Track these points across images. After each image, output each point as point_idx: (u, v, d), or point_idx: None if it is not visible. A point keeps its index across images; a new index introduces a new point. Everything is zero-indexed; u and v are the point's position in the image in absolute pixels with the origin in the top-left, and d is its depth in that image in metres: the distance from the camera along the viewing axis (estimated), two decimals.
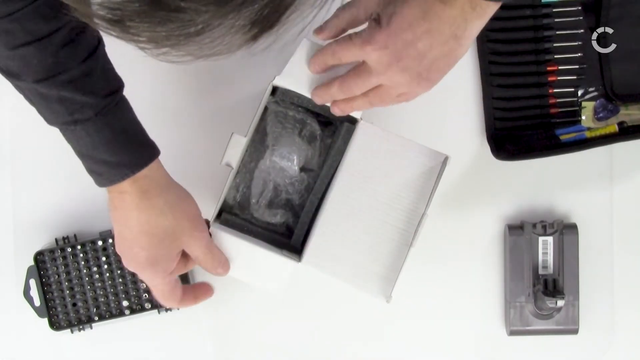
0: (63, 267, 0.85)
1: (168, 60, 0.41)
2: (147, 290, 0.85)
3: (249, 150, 0.77)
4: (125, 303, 0.85)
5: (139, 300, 0.85)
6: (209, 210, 0.76)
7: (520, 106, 0.87)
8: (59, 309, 0.85)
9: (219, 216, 0.77)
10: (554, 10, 0.86)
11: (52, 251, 0.85)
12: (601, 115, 0.86)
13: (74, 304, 0.85)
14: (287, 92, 0.75)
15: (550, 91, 0.86)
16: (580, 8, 0.86)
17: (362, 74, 0.66)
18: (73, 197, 0.87)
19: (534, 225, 0.85)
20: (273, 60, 0.80)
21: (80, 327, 0.86)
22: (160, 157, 0.71)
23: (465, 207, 0.88)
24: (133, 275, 0.85)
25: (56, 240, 0.86)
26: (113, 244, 0.84)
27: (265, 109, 0.76)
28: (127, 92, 0.70)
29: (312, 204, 0.76)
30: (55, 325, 0.85)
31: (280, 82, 0.74)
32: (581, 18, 0.86)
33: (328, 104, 0.73)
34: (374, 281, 0.74)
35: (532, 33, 0.86)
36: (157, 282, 0.73)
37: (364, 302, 0.83)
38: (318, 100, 0.73)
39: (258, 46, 0.42)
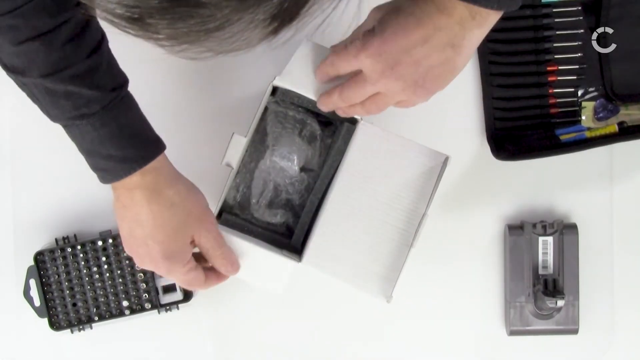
0: (63, 267, 0.85)
1: (187, 57, 0.41)
2: (147, 290, 0.85)
3: (249, 150, 0.77)
4: (125, 303, 0.85)
5: (139, 300, 0.85)
6: None
7: (520, 106, 0.87)
8: (59, 309, 0.85)
9: (219, 216, 0.77)
10: (554, 10, 0.86)
11: (52, 251, 0.85)
12: (601, 115, 0.86)
13: (74, 304, 0.85)
14: (287, 92, 0.75)
15: (550, 91, 0.86)
16: (580, 8, 0.86)
17: (358, 82, 0.66)
18: (73, 197, 0.87)
19: (534, 225, 0.85)
20: (273, 60, 0.81)
21: (80, 327, 0.85)
22: None
23: (466, 207, 0.88)
24: (133, 275, 0.85)
25: (56, 240, 0.86)
26: (113, 244, 0.84)
27: (266, 109, 0.76)
28: None
29: (312, 204, 0.76)
30: (55, 325, 0.85)
31: (281, 82, 0.74)
32: (581, 18, 0.86)
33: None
34: (374, 281, 0.74)
35: (532, 33, 0.86)
36: (177, 274, 0.73)
37: (364, 302, 0.83)
38: (323, 108, 0.73)
39: (278, 40, 0.41)
